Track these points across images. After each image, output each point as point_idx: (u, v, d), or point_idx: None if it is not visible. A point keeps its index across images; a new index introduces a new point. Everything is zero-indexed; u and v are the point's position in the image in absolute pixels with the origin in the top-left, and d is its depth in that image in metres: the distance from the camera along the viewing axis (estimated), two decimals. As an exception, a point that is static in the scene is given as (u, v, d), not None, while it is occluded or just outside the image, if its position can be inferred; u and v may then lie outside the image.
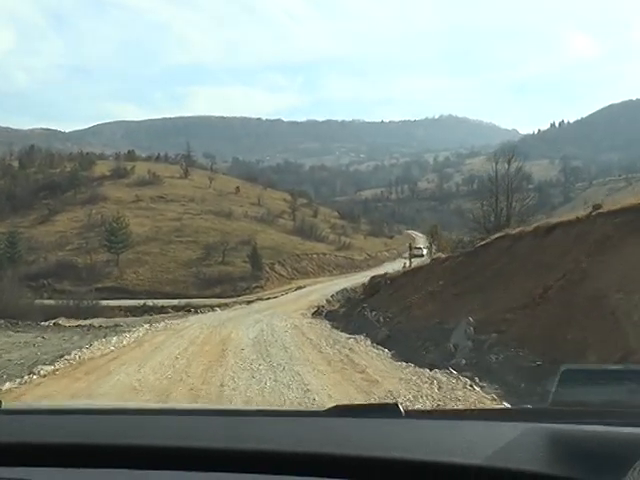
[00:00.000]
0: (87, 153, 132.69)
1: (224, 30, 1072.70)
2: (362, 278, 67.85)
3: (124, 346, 20.06)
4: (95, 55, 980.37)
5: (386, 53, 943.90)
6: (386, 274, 37.95)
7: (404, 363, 14.97)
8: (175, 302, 55.36)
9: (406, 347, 17.54)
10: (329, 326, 28.21)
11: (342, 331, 24.83)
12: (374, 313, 26.10)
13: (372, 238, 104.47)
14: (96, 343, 19.77)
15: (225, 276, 66.44)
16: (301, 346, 19.59)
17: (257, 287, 64.93)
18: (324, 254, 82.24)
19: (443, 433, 1.88)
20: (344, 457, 1.71)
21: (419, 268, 31.63)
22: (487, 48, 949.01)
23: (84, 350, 17.82)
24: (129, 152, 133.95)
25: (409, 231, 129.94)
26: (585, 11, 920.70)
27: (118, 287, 64.01)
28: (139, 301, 57.37)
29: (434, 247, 56.16)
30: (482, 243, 25.02)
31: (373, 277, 40.51)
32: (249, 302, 53.64)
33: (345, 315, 31.80)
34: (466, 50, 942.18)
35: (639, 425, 1.77)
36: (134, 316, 51.36)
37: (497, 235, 24.26)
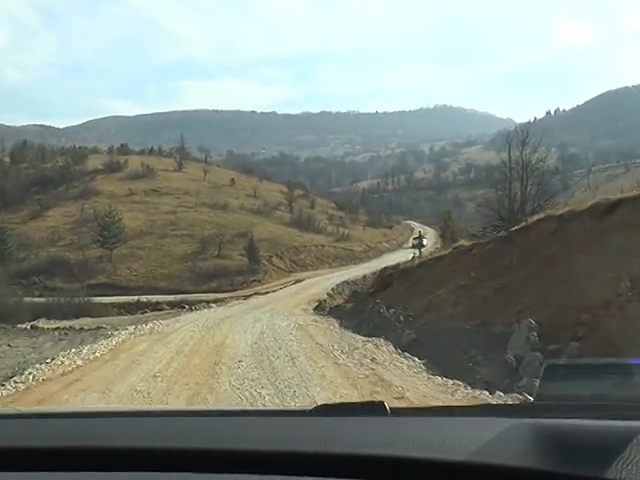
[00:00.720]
0: (80, 147, 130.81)
1: (217, 25, 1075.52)
2: (363, 270, 66.62)
3: (96, 358, 16.98)
4: (88, 52, 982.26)
5: (380, 45, 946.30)
6: (398, 265, 36.02)
7: (448, 380, 12.11)
8: (170, 298, 53.76)
9: (442, 355, 14.42)
10: (337, 325, 26.05)
11: (354, 332, 22.26)
12: (392, 311, 23.34)
13: (371, 229, 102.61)
14: (62, 355, 16.91)
15: (221, 270, 64.50)
16: (311, 355, 16.40)
17: (255, 281, 63.01)
18: (322, 246, 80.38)
19: (428, 430, 1.88)
20: (329, 455, 1.73)
21: (438, 258, 27.99)
22: (481, 38, 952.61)
23: (43, 367, 14.93)
24: (122, 145, 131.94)
25: (408, 221, 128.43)
26: (578, 0, 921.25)
27: (111, 283, 62.11)
28: (133, 297, 55.58)
29: (447, 234, 53.37)
30: (517, 227, 21.36)
31: (384, 269, 37.71)
32: (247, 297, 51.99)
33: (353, 312, 29.53)
34: (460, 40, 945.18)
35: (624, 418, 1.79)
36: (129, 313, 50.26)
37: (537, 217, 20.48)
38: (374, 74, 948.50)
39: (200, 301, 49.81)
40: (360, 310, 28.42)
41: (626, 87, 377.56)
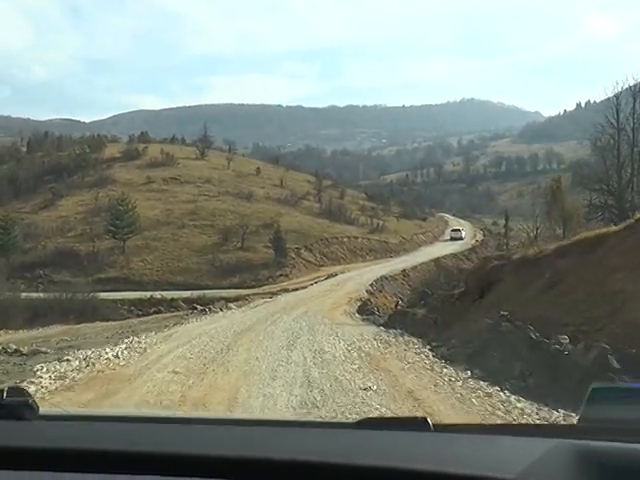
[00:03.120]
0: (98, 135, 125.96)
1: (240, 19, 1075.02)
2: (401, 264, 60.89)
3: None
4: (113, 47, 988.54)
5: (405, 38, 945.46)
6: (508, 255, 26.70)
7: None
8: (187, 294, 48.00)
9: None
10: (425, 351, 18.11)
11: (468, 369, 14.13)
12: (528, 327, 14.16)
13: (405, 221, 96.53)
14: None
15: (244, 263, 58.36)
16: None
17: (282, 275, 56.83)
18: (355, 238, 74.12)
19: (471, 447, 1.93)
20: (373, 468, 1.73)
21: (583, 242, 18.47)
22: (506, 30, 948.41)
23: None
24: (142, 134, 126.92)
25: (441, 214, 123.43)
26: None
27: (123, 277, 56.40)
28: (146, 293, 49.89)
29: (555, 211, 44.13)
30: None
31: (486, 258, 29.17)
32: (273, 294, 45.85)
33: (439, 325, 21.99)
34: (486, 33, 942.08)
35: None
36: (139, 311, 45.45)
37: None
38: (400, 67, 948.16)
39: (220, 298, 43.80)
40: (450, 321, 21.24)
41: None
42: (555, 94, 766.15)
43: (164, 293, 49.32)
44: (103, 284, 52.70)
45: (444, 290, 30.76)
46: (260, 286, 52.58)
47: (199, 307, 37.40)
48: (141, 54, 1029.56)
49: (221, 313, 34.35)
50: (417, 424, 2.10)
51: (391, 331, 23.88)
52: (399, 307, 33.85)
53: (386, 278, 50.93)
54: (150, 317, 37.31)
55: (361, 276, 52.45)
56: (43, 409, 2.30)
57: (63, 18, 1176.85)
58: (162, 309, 44.94)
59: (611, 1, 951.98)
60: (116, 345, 20.02)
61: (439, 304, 26.16)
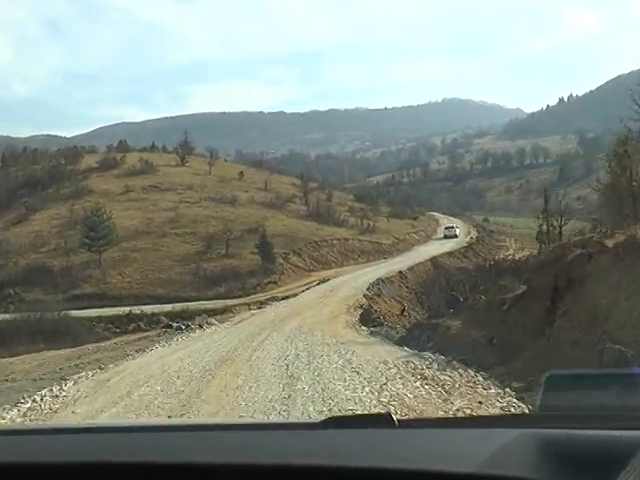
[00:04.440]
0: (74, 146, 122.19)
1: (220, 27, 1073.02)
2: (396, 265, 57.49)
3: None
4: (93, 60, 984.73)
5: (385, 40, 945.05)
6: (599, 239, 17.83)
7: None
8: (169, 307, 44.30)
9: None
10: (493, 391, 13.55)
11: None
12: None
13: (395, 220, 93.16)
14: None
15: (230, 272, 54.47)
16: None
17: (270, 283, 52.95)
18: (346, 239, 70.50)
19: (435, 442, 1.96)
20: (338, 468, 1.75)
21: None
22: (486, 30, 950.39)
23: None
24: (121, 142, 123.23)
25: (431, 213, 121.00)
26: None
27: (100, 293, 52.32)
28: (124, 308, 45.89)
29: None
30: None
31: (564, 245, 21.19)
32: (262, 304, 42.29)
33: (489, 344, 17.46)
34: (465, 33, 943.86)
35: (627, 428, 1.82)
36: (117, 328, 41.92)
37: None
38: (380, 69, 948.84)
39: (204, 311, 40.71)
40: (515, 342, 15.90)
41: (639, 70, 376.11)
42: (536, 91, 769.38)
43: (144, 308, 45.47)
44: (78, 301, 48.94)
45: (466, 291, 27.15)
46: (247, 295, 48.85)
47: (174, 325, 32.84)
48: (122, 66, 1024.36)
49: (198, 332, 29.92)
50: (382, 421, 2.08)
51: (424, 355, 18.39)
52: (405, 313, 30.47)
53: (383, 281, 47.38)
54: (117, 340, 32.64)
55: (355, 280, 48.93)
56: (1, 425, 2.20)
57: (42, 33, 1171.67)
58: (142, 325, 41.31)
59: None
60: (21, 401, 15.21)
61: (482, 313, 20.23)
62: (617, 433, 1.78)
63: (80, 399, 15.43)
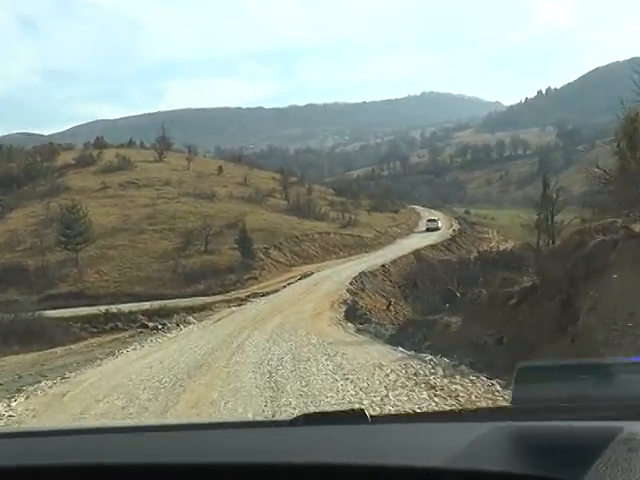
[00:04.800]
0: (50, 143, 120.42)
1: (197, 23, 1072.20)
2: (378, 258, 56.63)
3: None
4: (70, 57, 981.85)
5: (363, 35, 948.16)
6: (624, 224, 16.05)
7: None
8: (147, 305, 42.79)
9: None
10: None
11: None
12: None
13: (377, 214, 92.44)
14: None
15: (209, 268, 53.32)
16: None
17: (250, 279, 51.68)
18: (327, 233, 69.53)
19: (407, 437, 1.95)
20: (308, 466, 1.75)
21: None
22: (463, 23, 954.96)
23: None
24: (97, 139, 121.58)
25: (412, 206, 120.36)
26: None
27: (76, 292, 50.91)
28: (101, 307, 44.09)
29: None
30: None
31: (582, 231, 17.40)
32: (242, 301, 41.14)
33: (498, 344, 15.72)
34: (442, 26, 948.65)
35: (600, 419, 1.84)
36: (94, 328, 39.90)
37: None
38: (359, 64, 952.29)
39: (183, 308, 39.81)
40: (528, 342, 13.86)
41: (617, 62, 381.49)
42: (514, 84, 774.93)
43: (122, 306, 43.88)
44: (54, 300, 47.47)
45: (457, 285, 25.99)
46: (227, 292, 47.57)
47: (150, 324, 31.50)
48: (99, 62, 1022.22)
49: (175, 332, 28.58)
50: (354, 417, 2.06)
51: (423, 357, 16.61)
52: (391, 308, 29.37)
53: (365, 275, 46.46)
54: (89, 342, 31.56)
55: (338, 274, 48.05)
56: None
57: (17, 29, 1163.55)
58: (119, 324, 39.80)
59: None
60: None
61: (484, 308, 18.00)
62: (589, 424, 1.80)
63: (27, 420, 13.54)
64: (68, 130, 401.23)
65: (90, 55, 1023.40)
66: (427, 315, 24.04)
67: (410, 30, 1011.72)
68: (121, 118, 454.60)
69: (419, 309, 31.13)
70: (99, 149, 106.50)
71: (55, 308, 43.94)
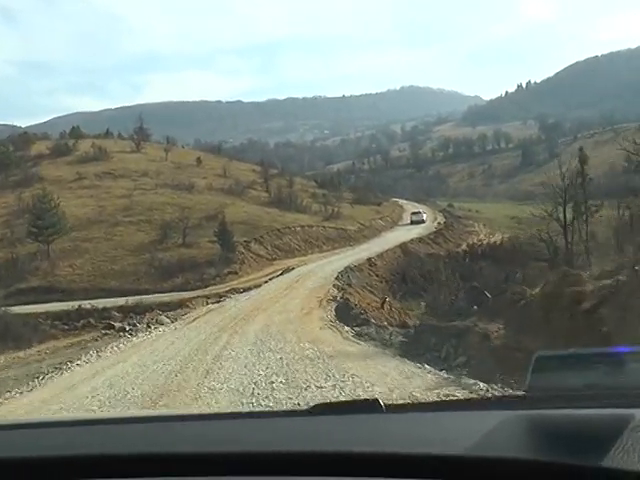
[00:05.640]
0: (25, 132, 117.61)
1: (177, 16, 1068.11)
2: (363, 252, 54.20)
3: None
4: (49, 49, 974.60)
5: (343, 30, 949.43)
6: None
7: None
8: (122, 301, 40.24)
9: None
10: None
11: None
12: None
13: (360, 206, 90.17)
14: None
15: (188, 262, 50.76)
16: None
17: (230, 273, 49.13)
18: (310, 226, 66.96)
19: (423, 425, 1.97)
20: (325, 454, 1.77)
21: None
22: (442, 17, 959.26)
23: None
24: (74, 128, 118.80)
25: (395, 199, 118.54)
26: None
27: (48, 286, 48.25)
28: (74, 303, 41.70)
29: None
30: None
31: None
32: (221, 297, 38.42)
33: None
34: (421, 22, 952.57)
35: (615, 406, 1.85)
36: (65, 325, 37.54)
37: None
38: (339, 59, 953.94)
39: (159, 305, 37.44)
40: None
41: (595, 57, 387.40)
42: (493, 78, 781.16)
43: (96, 302, 41.54)
44: (23, 295, 45.13)
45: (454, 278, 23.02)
46: (206, 287, 45.01)
47: (117, 325, 28.47)
48: (78, 55, 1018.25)
49: (143, 335, 24.83)
50: (369, 406, 2.08)
51: (468, 383, 12.64)
52: (386, 306, 26.92)
53: (351, 269, 43.92)
54: (41, 347, 28.05)
55: (322, 268, 45.66)
56: None
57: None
58: (92, 321, 37.31)
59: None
60: None
61: (538, 314, 14.06)
62: (605, 411, 1.80)
63: None
64: (47, 122, 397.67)
65: (69, 47, 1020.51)
66: (439, 317, 20.46)
67: (390, 25, 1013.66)
68: (100, 110, 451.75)
69: (428, 310, 27.96)
70: (75, 139, 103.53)
71: (24, 303, 41.69)
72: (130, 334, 24.70)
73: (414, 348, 17.31)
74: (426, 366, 15.16)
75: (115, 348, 21.80)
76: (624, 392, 1.91)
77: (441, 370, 14.78)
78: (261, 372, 15.90)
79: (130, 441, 1.94)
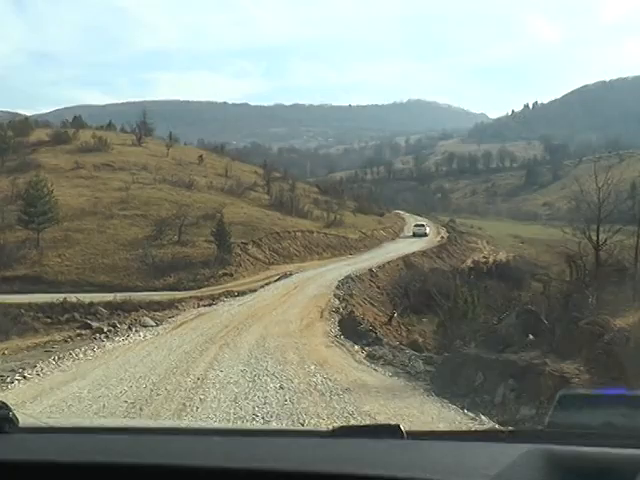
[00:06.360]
0: (26, 118, 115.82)
1: (187, 16, 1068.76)
2: (365, 262, 52.25)
3: None
4: (58, 40, 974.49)
5: (352, 38, 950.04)
6: None
7: None
8: (110, 296, 38.47)
9: None
10: None
11: None
12: None
13: (362, 215, 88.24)
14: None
15: (182, 260, 48.80)
16: None
17: (225, 275, 47.19)
18: (310, 232, 64.67)
19: (443, 454, 1.97)
20: (348, 476, 1.80)
21: None
22: (452, 32, 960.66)
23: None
24: (75, 117, 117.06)
25: (397, 211, 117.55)
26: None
27: (34, 275, 46.30)
28: (59, 295, 39.84)
29: None
30: None
31: None
32: (214, 299, 35.90)
33: None
34: (431, 34, 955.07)
35: (634, 447, 1.84)
36: (48, 318, 36.29)
37: None
38: (346, 67, 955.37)
39: (149, 303, 35.67)
40: None
41: (603, 82, 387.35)
42: (500, 97, 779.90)
43: (82, 296, 39.66)
44: (7, 284, 43.34)
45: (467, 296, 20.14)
46: (199, 288, 43.07)
47: (94, 325, 25.69)
48: (86, 48, 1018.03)
49: (119, 339, 20.99)
50: (390, 431, 2.10)
51: None
52: (393, 322, 24.82)
53: (352, 279, 41.95)
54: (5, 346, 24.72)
55: (322, 276, 43.51)
56: (23, 422, 2.26)
57: (5, 9, 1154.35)
58: (76, 316, 35.54)
59: (554, 7, 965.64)
60: None
61: (631, 353, 10.37)
62: (624, 451, 1.80)
63: None
64: (52, 112, 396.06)
65: (78, 40, 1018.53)
66: (486, 348, 15.40)
67: (398, 37, 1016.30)
68: (106, 105, 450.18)
69: (440, 330, 25.21)
70: (76, 128, 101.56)
71: (8, 293, 40.21)
72: (106, 337, 21.24)
73: (449, 383, 13.75)
74: (482, 417, 11.37)
75: (81, 355, 17.88)
76: None
77: (502, 423, 10.85)
78: (256, 411, 12.19)
79: (153, 452, 1.95)
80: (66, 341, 20.11)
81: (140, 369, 15.89)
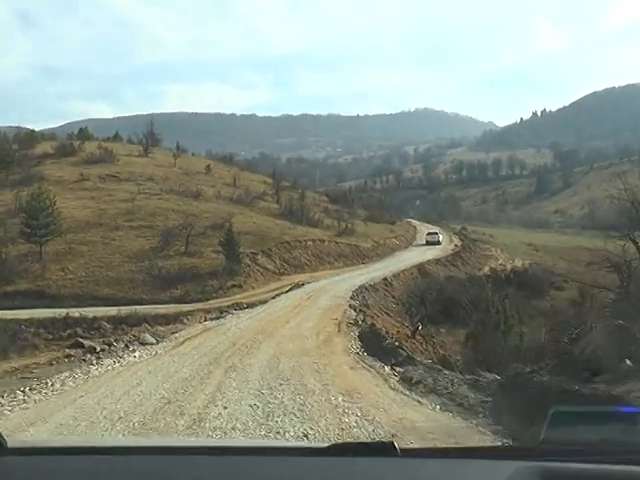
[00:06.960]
0: (31, 130, 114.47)
1: (194, 28, 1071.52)
2: (378, 271, 50.54)
3: None
4: (65, 54, 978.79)
5: (359, 48, 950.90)
6: None
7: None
8: (115, 310, 36.81)
9: None
10: None
11: None
12: None
13: (373, 224, 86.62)
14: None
15: (189, 271, 47.07)
16: None
17: (234, 286, 45.59)
18: (322, 241, 63.11)
19: (438, 472, 2.00)
20: None
21: None
22: (458, 41, 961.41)
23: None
24: (81, 129, 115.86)
25: (408, 219, 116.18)
26: (555, 3, 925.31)
27: (37, 290, 44.71)
28: (61, 310, 38.07)
29: None
30: None
31: None
32: (222, 312, 34.22)
33: None
34: (439, 44, 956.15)
35: (625, 463, 1.89)
36: (50, 334, 34.04)
37: None
38: (354, 77, 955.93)
39: (154, 317, 33.91)
40: None
41: (612, 87, 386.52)
42: (508, 104, 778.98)
43: (86, 310, 38.12)
44: (9, 299, 41.83)
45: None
46: (207, 300, 41.38)
47: (86, 344, 23.00)
48: (94, 61, 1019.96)
49: (111, 362, 17.85)
50: (385, 449, 2.10)
51: None
52: (418, 336, 22.74)
53: (366, 288, 40.16)
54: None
55: (335, 286, 41.75)
56: (12, 443, 2.20)
57: (12, 24, 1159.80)
58: (79, 331, 33.76)
59: (561, 14, 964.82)
60: None
61: None
62: (615, 467, 1.85)
63: None
64: (60, 127, 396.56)
65: (85, 54, 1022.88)
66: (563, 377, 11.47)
67: (405, 46, 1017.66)
68: (114, 118, 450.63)
69: (472, 343, 23.06)
70: (82, 140, 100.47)
71: (9, 308, 38.60)
72: (98, 357, 18.58)
73: (522, 420, 9.53)
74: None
75: (58, 385, 14.51)
76: (636, 450, 1.92)
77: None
78: None
79: (151, 473, 1.94)
80: (51, 364, 17.68)
81: (123, 405, 12.42)
